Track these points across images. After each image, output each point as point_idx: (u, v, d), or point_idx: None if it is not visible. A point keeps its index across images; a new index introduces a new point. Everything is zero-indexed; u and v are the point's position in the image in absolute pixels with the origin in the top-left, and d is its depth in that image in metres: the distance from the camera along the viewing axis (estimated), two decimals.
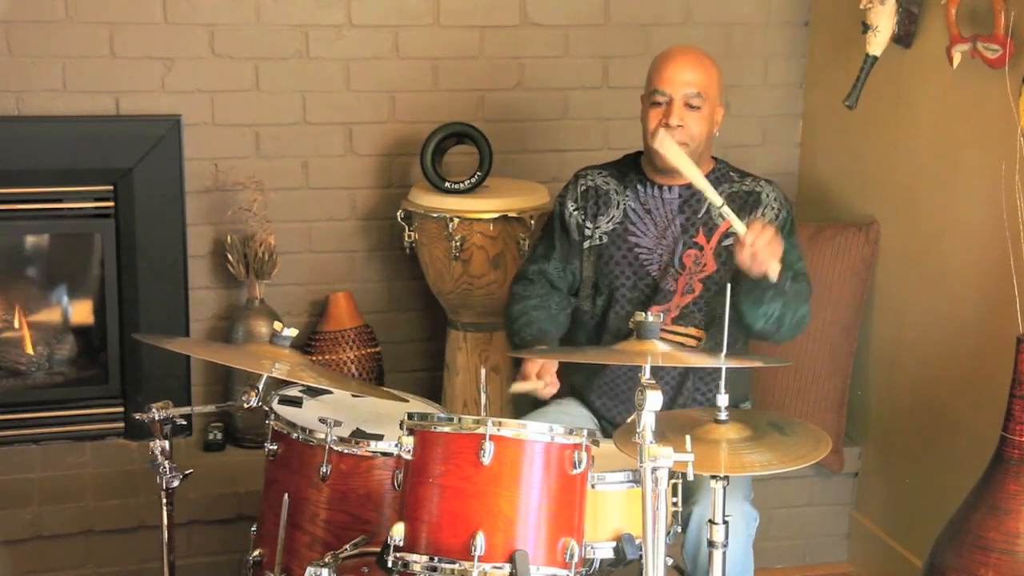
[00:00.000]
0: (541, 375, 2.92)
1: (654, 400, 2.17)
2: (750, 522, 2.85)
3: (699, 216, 3.07)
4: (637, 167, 3.15)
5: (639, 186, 3.12)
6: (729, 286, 2.64)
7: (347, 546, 2.56)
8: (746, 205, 3.09)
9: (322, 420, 2.71)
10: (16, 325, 3.87)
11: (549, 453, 2.37)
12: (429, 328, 4.02)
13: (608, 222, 3.13)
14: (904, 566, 3.63)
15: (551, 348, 3.07)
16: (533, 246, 3.33)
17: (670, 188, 3.09)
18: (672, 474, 2.25)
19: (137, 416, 2.73)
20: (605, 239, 3.12)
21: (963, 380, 3.41)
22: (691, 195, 3.08)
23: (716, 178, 3.10)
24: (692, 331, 3.07)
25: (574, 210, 3.18)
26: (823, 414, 3.76)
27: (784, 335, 3.03)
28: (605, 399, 3.14)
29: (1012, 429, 2.86)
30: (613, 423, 3.11)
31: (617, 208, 3.13)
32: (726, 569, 2.51)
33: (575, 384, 3.22)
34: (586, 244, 3.15)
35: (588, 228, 3.15)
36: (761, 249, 2.80)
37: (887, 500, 3.79)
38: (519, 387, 2.93)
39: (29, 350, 3.86)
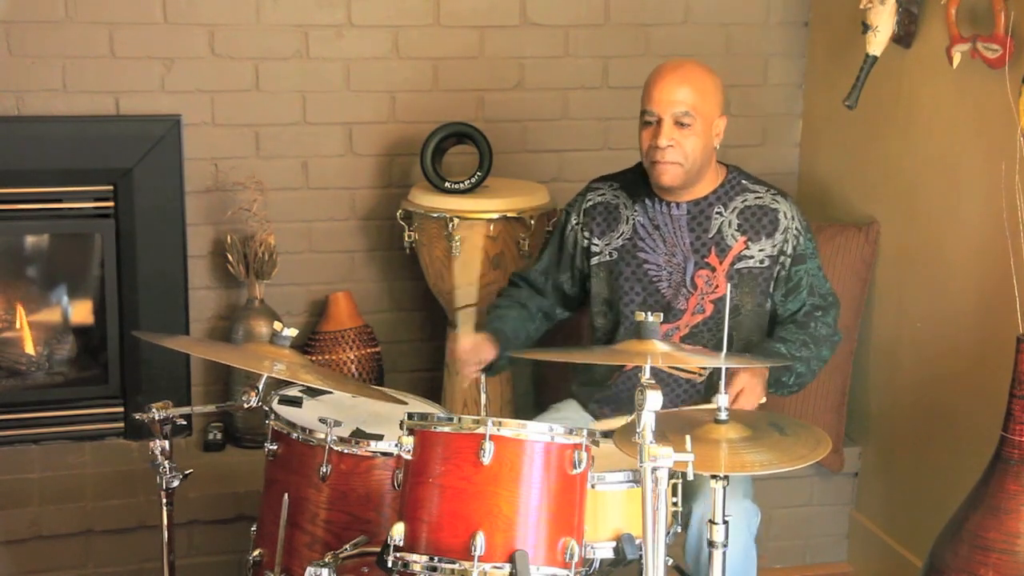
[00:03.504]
0: (473, 354, 2.97)
1: (654, 400, 2.17)
2: (751, 519, 2.85)
3: (710, 236, 3.04)
4: (646, 179, 3.09)
5: (647, 200, 3.08)
6: (729, 286, 2.64)
7: (347, 546, 2.56)
8: (760, 225, 3.04)
9: (322, 420, 2.71)
10: (16, 325, 3.87)
11: (549, 453, 2.37)
12: (429, 328, 4.02)
13: (618, 238, 3.10)
14: (904, 566, 3.63)
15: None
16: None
17: (678, 204, 3.06)
18: (672, 474, 2.25)
19: (137, 416, 2.73)
20: (615, 255, 3.09)
21: (963, 380, 3.41)
22: (699, 211, 3.05)
23: (727, 191, 3.07)
24: (694, 369, 3.05)
25: (576, 224, 3.17)
26: (823, 414, 3.76)
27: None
28: (607, 411, 3.12)
29: (1012, 429, 2.86)
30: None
31: (627, 223, 3.09)
32: (728, 567, 2.51)
33: (576, 393, 3.21)
34: (594, 260, 3.12)
35: (596, 245, 3.12)
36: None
37: (887, 500, 3.79)
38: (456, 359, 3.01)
39: (29, 350, 3.86)
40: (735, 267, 3.02)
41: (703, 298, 3.02)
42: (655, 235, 3.06)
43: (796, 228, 3.05)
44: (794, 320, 3.08)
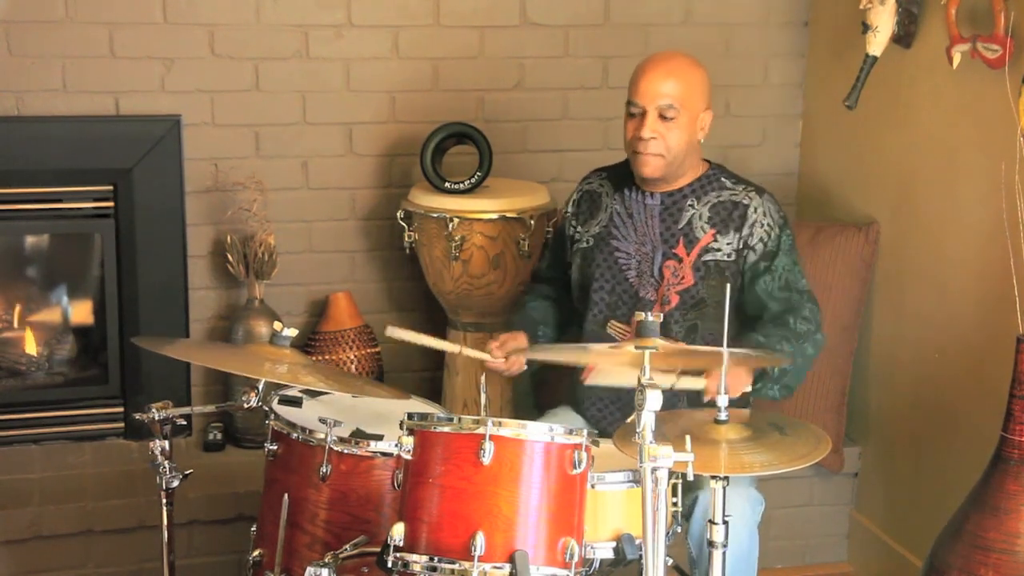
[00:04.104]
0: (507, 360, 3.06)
1: (654, 400, 2.17)
2: (755, 505, 2.86)
3: (679, 227, 3.06)
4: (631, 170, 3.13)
5: (626, 190, 3.12)
6: (728, 286, 2.63)
7: (347, 546, 2.56)
8: (730, 218, 3.03)
9: (322, 420, 2.71)
10: (16, 325, 3.87)
11: (549, 453, 2.37)
12: (429, 328, 3.99)
13: (596, 225, 3.15)
14: (904, 566, 3.63)
15: (547, 347, 3.15)
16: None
17: (652, 195, 3.09)
18: (672, 474, 2.25)
19: (137, 416, 2.74)
20: (591, 242, 3.15)
21: (963, 380, 3.41)
22: (673, 203, 3.07)
23: (703, 185, 3.08)
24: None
25: (567, 214, 3.26)
26: (823, 414, 3.76)
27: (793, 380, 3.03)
28: (597, 407, 3.12)
29: (1012, 429, 2.86)
30: (606, 432, 3.08)
31: (605, 211, 3.15)
32: (732, 551, 2.53)
33: (568, 393, 3.21)
34: (575, 247, 3.19)
35: (579, 233, 3.19)
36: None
37: (887, 500, 3.79)
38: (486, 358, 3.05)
39: (29, 350, 3.86)
40: (702, 259, 3.03)
41: (669, 289, 3.03)
42: (628, 224, 3.10)
43: (767, 224, 3.03)
44: (771, 320, 3.06)
